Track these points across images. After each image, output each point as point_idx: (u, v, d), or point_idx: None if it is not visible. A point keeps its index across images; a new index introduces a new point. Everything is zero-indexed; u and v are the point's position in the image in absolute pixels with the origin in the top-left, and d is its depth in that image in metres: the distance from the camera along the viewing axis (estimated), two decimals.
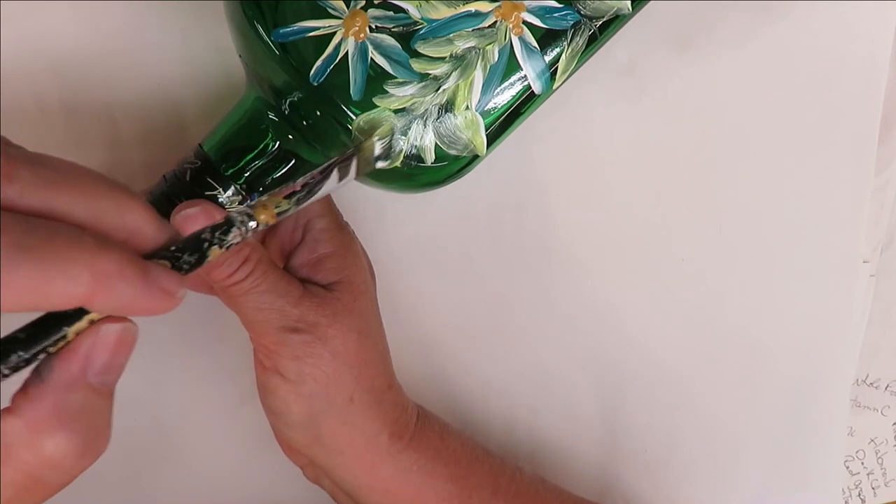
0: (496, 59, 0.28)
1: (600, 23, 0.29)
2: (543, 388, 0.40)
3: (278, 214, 0.23)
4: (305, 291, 0.30)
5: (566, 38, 0.29)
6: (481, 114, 0.28)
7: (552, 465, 0.43)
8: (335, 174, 0.25)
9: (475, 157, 0.29)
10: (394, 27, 0.27)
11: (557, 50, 0.29)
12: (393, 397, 0.33)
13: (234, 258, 0.29)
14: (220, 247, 0.22)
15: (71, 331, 0.20)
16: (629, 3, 0.29)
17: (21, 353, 0.20)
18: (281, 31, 0.27)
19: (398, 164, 0.28)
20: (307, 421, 0.31)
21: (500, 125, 0.29)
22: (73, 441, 0.20)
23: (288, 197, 0.24)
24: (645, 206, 0.42)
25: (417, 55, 0.27)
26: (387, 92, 0.27)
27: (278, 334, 0.30)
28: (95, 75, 0.35)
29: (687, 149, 0.41)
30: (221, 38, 0.33)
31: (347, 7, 0.27)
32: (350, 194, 0.37)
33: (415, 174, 0.29)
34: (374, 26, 0.27)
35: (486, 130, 0.29)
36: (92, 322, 0.21)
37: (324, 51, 0.27)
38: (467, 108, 0.28)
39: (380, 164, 0.28)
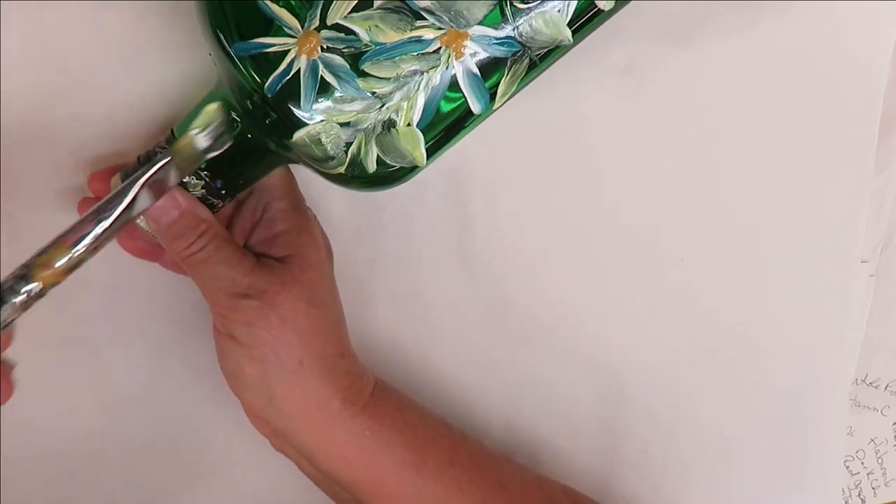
0: (438, 82, 0.31)
1: (542, 53, 0.31)
2: (543, 388, 0.40)
3: (71, 268, 0.21)
4: (258, 263, 0.34)
5: (506, 65, 0.31)
6: (422, 130, 0.31)
7: (552, 466, 0.43)
8: (144, 194, 0.24)
9: (415, 167, 0.32)
10: (344, 48, 0.30)
11: (498, 75, 0.31)
12: (346, 366, 0.35)
13: (191, 232, 0.32)
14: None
15: None
16: (570, 34, 0.31)
17: None
18: (240, 45, 0.29)
19: (342, 170, 0.31)
20: (259, 383, 0.34)
21: (441, 140, 0.32)
22: None
23: (75, 243, 0.22)
24: (643, 205, 0.42)
25: (365, 75, 0.30)
26: (334, 106, 0.30)
27: (231, 300, 0.33)
28: (95, 75, 0.36)
29: (686, 148, 0.42)
30: None
31: (302, 27, 0.29)
32: (348, 194, 0.39)
33: (357, 179, 0.32)
34: (325, 46, 0.30)
35: (427, 145, 0.31)
36: None
37: (278, 66, 0.29)
38: (409, 125, 0.31)
39: (212, 154, 0.28)
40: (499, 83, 0.31)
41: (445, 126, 0.31)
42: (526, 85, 0.32)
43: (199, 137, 0.28)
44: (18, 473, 0.38)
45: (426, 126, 0.31)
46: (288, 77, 0.29)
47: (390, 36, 0.30)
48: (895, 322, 0.48)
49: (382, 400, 0.36)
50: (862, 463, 0.51)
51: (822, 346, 0.45)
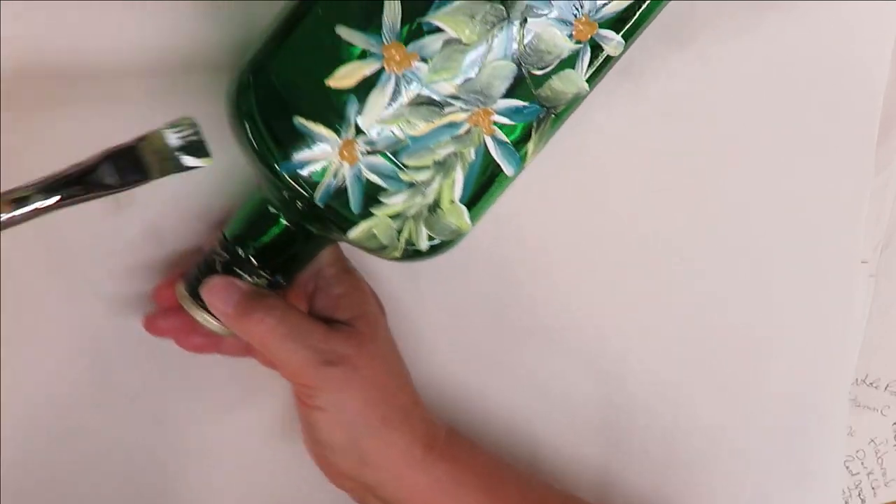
0: (473, 158, 0.32)
1: (563, 108, 0.33)
2: (544, 389, 0.40)
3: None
4: (330, 327, 0.35)
5: (533, 128, 0.32)
6: (464, 203, 0.33)
7: (552, 466, 0.43)
8: (111, 173, 0.25)
9: (462, 234, 0.34)
10: (382, 148, 0.31)
11: (526, 137, 0.33)
12: (420, 413, 0.37)
13: (260, 308, 0.33)
14: None
15: None
16: (587, 86, 0.33)
17: None
18: (286, 165, 0.31)
19: (397, 255, 0.33)
20: (349, 446, 0.35)
21: (481, 205, 0.33)
22: None
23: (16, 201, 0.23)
24: (643, 205, 0.42)
25: (405, 167, 0.32)
26: (381, 202, 0.32)
27: (315, 370, 0.33)
28: (96, 75, 0.35)
29: (686, 149, 0.42)
30: (222, 38, 0.35)
31: (340, 137, 0.31)
32: None
33: (411, 258, 0.34)
34: (365, 150, 0.31)
35: (469, 213, 0.33)
36: None
37: (324, 177, 0.31)
38: (452, 202, 0.33)
39: (193, 163, 0.28)
40: (528, 144, 0.33)
41: (485, 193, 0.33)
42: (551, 138, 0.33)
43: (172, 134, 0.27)
44: (18, 473, 0.38)
45: (467, 198, 0.33)
46: (335, 186, 0.31)
47: (422, 128, 0.31)
48: (895, 322, 0.48)
49: (456, 444, 0.37)
50: (862, 463, 0.51)
51: (822, 346, 0.45)
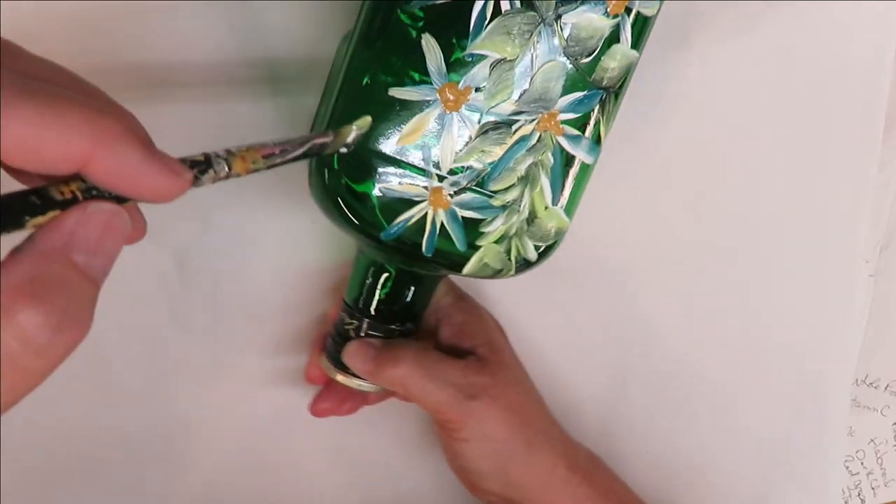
0: (552, 161, 0.33)
1: (619, 82, 0.33)
2: (543, 388, 0.40)
3: (250, 169, 0.25)
4: (462, 361, 0.36)
5: (599, 111, 0.33)
6: (556, 204, 0.34)
7: None
8: (308, 147, 0.28)
9: (563, 232, 0.35)
10: (467, 184, 0.32)
11: (595, 122, 0.33)
12: (557, 432, 0.38)
13: (393, 356, 0.35)
14: (197, 181, 0.23)
15: (31, 222, 0.19)
16: (636, 53, 0.33)
17: None
18: (387, 232, 0.32)
19: (513, 274, 0.34)
20: (496, 472, 0.36)
21: (573, 198, 0.34)
22: (45, 314, 0.18)
23: (266, 157, 0.25)
24: (643, 206, 0.42)
25: (493, 193, 0.32)
26: (483, 233, 0.33)
27: (459, 405, 0.35)
28: (96, 75, 0.37)
29: (686, 149, 0.42)
30: (222, 39, 0.36)
31: (426, 189, 0.32)
32: None
33: (525, 270, 0.35)
34: (452, 192, 0.32)
35: (564, 211, 0.34)
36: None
37: (424, 230, 0.32)
38: (546, 208, 0.33)
39: (343, 150, 0.31)
40: (598, 128, 0.33)
41: (573, 187, 0.34)
42: (617, 111, 0.34)
43: (353, 132, 0.31)
44: (19, 473, 0.39)
45: (558, 198, 0.33)
46: (436, 233, 0.32)
47: (497, 152, 0.32)
48: (895, 322, 0.48)
49: (596, 468, 0.39)
50: (862, 463, 0.51)
51: (822, 346, 0.45)
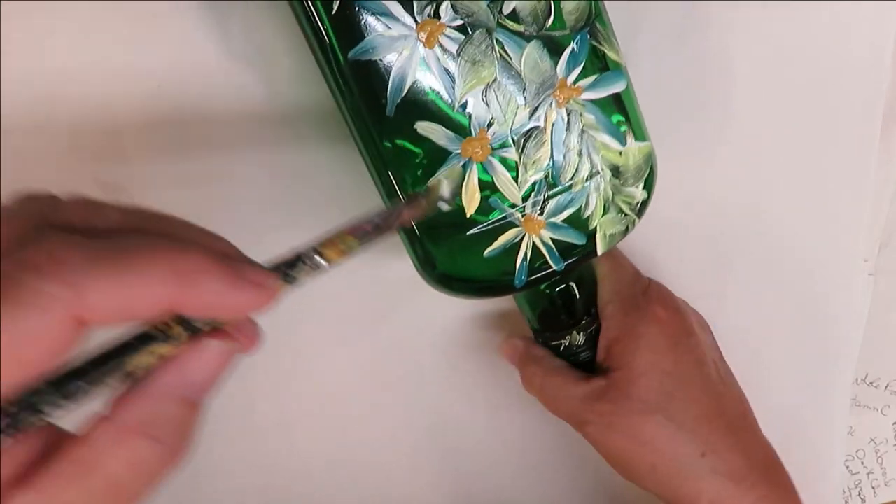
0: (592, 117, 0.33)
1: (594, 14, 0.32)
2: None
3: (345, 253, 0.24)
4: (588, 386, 0.36)
5: (597, 46, 0.33)
6: (625, 143, 0.34)
7: (550, 466, 0.44)
8: (403, 214, 0.27)
9: (652, 154, 0.35)
10: (544, 195, 0.33)
11: (600, 56, 0.33)
12: (707, 465, 0.35)
13: (526, 362, 0.38)
14: (287, 281, 0.23)
15: (133, 363, 0.20)
16: None
17: (81, 384, 0.19)
18: (517, 279, 0.34)
19: (638, 220, 0.35)
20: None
21: (636, 123, 0.34)
22: (157, 449, 0.20)
23: (357, 237, 0.24)
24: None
25: (571, 183, 0.33)
26: (588, 216, 0.34)
27: (576, 427, 0.36)
28: (96, 75, 0.36)
29: (687, 148, 0.42)
30: (221, 39, 0.36)
31: (520, 226, 0.33)
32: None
33: (645, 209, 0.35)
34: (539, 210, 0.33)
35: (635, 138, 0.34)
36: (161, 357, 0.20)
37: (542, 254, 0.34)
38: (620, 153, 0.34)
39: (445, 207, 0.31)
40: (607, 58, 0.33)
41: (627, 115, 0.34)
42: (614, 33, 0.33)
43: (445, 185, 0.31)
44: None
45: (623, 135, 0.34)
46: (553, 250, 0.34)
47: (545, 150, 0.33)
48: (895, 322, 0.47)
49: (775, 469, 0.37)
50: (862, 463, 0.51)
51: (822, 345, 0.44)
